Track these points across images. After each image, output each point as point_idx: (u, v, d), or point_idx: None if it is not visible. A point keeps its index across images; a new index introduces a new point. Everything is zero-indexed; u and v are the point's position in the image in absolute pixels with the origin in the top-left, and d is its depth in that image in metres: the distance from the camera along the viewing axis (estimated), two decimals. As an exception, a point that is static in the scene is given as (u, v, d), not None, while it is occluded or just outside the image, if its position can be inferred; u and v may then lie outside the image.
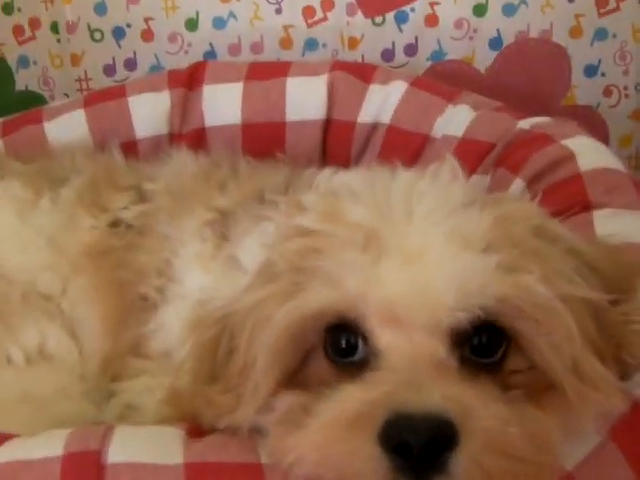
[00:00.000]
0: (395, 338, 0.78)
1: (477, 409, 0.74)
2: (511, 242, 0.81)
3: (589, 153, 1.30)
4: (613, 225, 1.15)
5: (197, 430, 0.87)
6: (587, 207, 1.19)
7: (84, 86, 1.79)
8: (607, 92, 1.79)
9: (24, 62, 1.80)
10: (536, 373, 0.81)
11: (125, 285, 1.20)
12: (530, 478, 0.76)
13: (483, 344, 0.80)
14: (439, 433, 0.71)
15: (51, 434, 0.88)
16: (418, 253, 0.79)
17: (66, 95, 1.80)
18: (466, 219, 0.82)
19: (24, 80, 1.82)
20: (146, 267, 1.20)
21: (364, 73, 1.56)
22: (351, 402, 0.75)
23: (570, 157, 1.29)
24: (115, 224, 1.26)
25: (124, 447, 0.84)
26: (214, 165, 1.33)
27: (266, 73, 1.56)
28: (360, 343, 0.80)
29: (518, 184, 1.28)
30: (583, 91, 1.80)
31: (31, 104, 1.72)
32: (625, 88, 1.79)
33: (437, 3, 1.73)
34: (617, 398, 0.81)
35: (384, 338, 0.78)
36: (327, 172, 1.28)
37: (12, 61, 1.80)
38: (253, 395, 0.83)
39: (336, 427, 0.75)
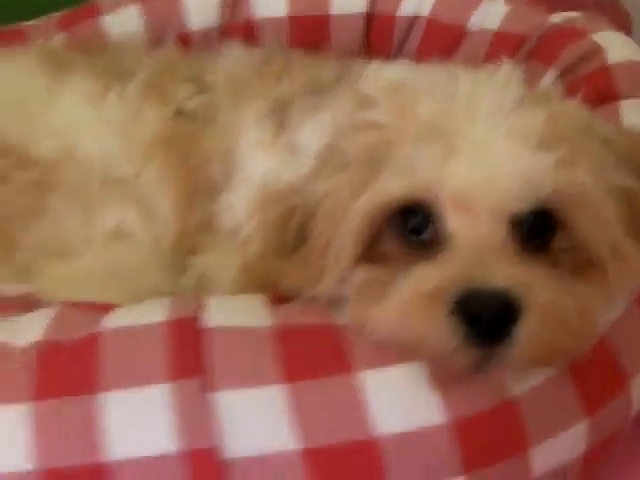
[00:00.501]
0: (464, 222, 0.84)
1: (536, 286, 0.80)
2: (562, 139, 0.86)
3: (617, 47, 1.33)
4: (637, 114, 1.20)
5: (276, 299, 0.94)
6: (614, 97, 1.23)
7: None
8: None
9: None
10: (579, 251, 0.88)
11: (193, 169, 1.26)
12: (576, 345, 0.84)
13: (537, 228, 0.87)
14: (505, 307, 0.78)
15: (151, 303, 0.95)
16: (484, 149, 0.85)
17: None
18: (522, 118, 0.87)
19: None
20: (211, 153, 1.26)
21: None
22: (427, 278, 0.81)
23: (599, 50, 1.32)
24: (179, 113, 1.31)
25: (217, 313, 0.90)
26: (268, 58, 1.37)
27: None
28: (430, 225, 0.87)
29: (550, 75, 1.32)
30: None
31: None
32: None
33: None
34: None
35: (454, 222, 0.84)
36: (375, 65, 1.32)
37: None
38: (333, 268, 0.89)
39: (415, 300, 0.81)
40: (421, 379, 0.84)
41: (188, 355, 0.85)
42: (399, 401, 0.84)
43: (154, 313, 0.91)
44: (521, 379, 0.86)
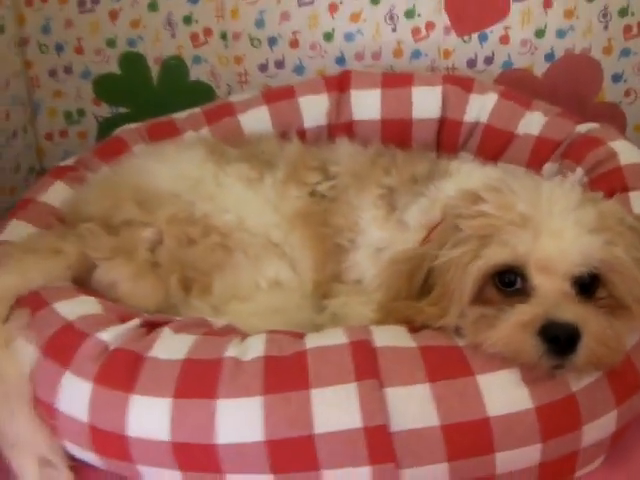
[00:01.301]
0: (544, 279, 1.17)
1: (590, 320, 1.14)
2: (606, 227, 1.18)
3: (627, 152, 1.62)
4: None
5: (411, 328, 1.25)
6: (625, 189, 1.52)
7: (243, 79, 2.12)
8: (627, 93, 2.11)
9: (197, 60, 2.12)
10: (615, 300, 1.20)
11: (326, 237, 1.52)
12: (614, 359, 1.17)
13: (589, 284, 1.19)
14: (572, 332, 1.12)
15: (331, 331, 1.27)
16: (558, 233, 1.17)
17: (228, 85, 2.13)
18: (582, 214, 1.18)
19: (196, 73, 2.13)
20: (340, 225, 1.52)
21: (466, 85, 1.86)
22: (523, 314, 1.15)
23: (614, 155, 1.61)
24: (313, 194, 1.57)
25: (381, 337, 1.22)
26: (376, 154, 1.63)
27: (396, 82, 1.87)
28: (518, 280, 1.19)
29: (579, 172, 1.60)
30: (610, 92, 2.10)
31: (201, 91, 2.12)
32: (640, 90, 2.02)
33: (509, 27, 2.04)
34: None
35: (538, 279, 1.17)
36: (456, 163, 1.59)
37: (188, 59, 2.11)
38: (456, 307, 1.21)
39: (516, 327, 1.14)
40: (517, 379, 1.18)
41: (368, 364, 1.18)
42: (503, 393, 1.18)
43: (338, 337, 1.23)
44: (578, 380, 1.19)
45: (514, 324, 1.15)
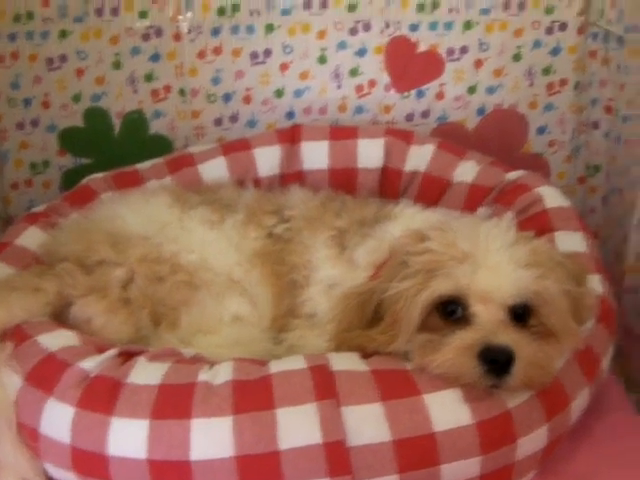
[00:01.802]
0: (483, 308, 1.27)
1: (523, 345, 1.23)
2: (538, 263, 1.29)
3: (551, 197, 1.72)
4: (566, 240, 1.60)
5: (363, 355, 1.33)
6: (551, 229, 1.63)
7: (199, 132, 2.19)
8: (550, 144, 2.22)
9: (157, 114, 2.19)
10: (545, 327, 1.29)
11: (282, 274, 1.59)
12: (544, 380, 1.27)
13: (522, 313, 1.29)
14: (507, 355, 1.21)
15: (291, 358, 1.36)
16: (495, 267, 1.27)
17: (186, 138, 2.19)
18: (516, 251, 1.29)
19: (156, 127, 2.20)
20: (295, 263, 1.59)
21: (406, 137, 1.96)
22: (464, 338, 1.24)
23: (540, 199, 1.71)
24: (270, 236, 1.64)
25: (337, 362, 1.30)
26: (328, 198, 1.72)
27: (343, 134, 1.97)
28: (459, 309, 1.28)
29: (509, 215, 1.55)
30: (535, 143, 2.22)
31: (160, 143, 2.19)
32: (562, 142, 2.22)
33: (444, 84, 2.15)
34: (580, 340, 1.35)
35: (477, 308, 1.27)
36: (400, 206, 1.67)
37: (148, 113, 2.18)
38: (403, 334, 1.29)
39: (456, 350, 1.23)
40: (459, 397, 1.27)
41: (327, 386, 1.26)
42: (447, 410, 1.27)
43: (299, 363, 1.31)
44: (513, 398, 1.28)
45: (456, 348, 1.25)
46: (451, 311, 1.30)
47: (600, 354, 1.43)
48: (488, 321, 1.27)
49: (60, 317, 1.50)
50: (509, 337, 1.24)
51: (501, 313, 1.27)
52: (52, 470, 1.32)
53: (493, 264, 1.28)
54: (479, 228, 1.34)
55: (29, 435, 1.32)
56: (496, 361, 1.22)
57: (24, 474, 1.31)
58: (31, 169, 2.23)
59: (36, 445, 1.31)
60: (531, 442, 1.30)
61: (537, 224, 1.63)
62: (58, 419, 1.29)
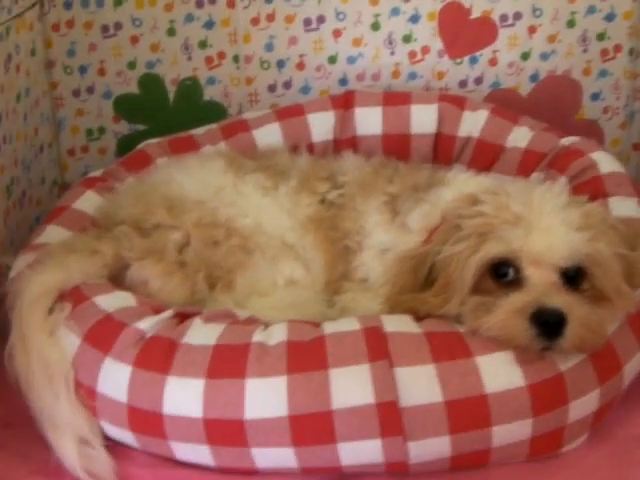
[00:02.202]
0: (535, 271, 1.27)
1: (575, 307, 1.23)
2: (590, 226, 1.28)
3: (605, 162, 1.72)
4: (620, 206, 1.59)
5: (416, 318, 1.34)
6: (605, 195, 1.63)
7: (253, 99, 2.21)
8: (605, 111, 2.22)
9: (211, 81, 2.20)
10: (597, 291, 1.29)
11: (335, 240, 1.61)
12: (597, 343, 1.27)
13: (575, 276, 1.29)
14: (559, 317, 1.22)
15: (346, 320, 1.36)
16: (548, 231, 1.27)
17: (240, 105, 2.21)
18: (569, 214, 1.29)
19: (210, 93, 2.22)
20: (348, 229, 1.61)
21: (460, 103, 1.97)
22: (516, 301, 1.24)
23: (594, 165, 1.72)
24: (323, 202, 1.66)
25: (390, 324, 1.30)
26: (380, 165, 1.73)
27: (396, 100, 1.98)
28: (511, 272, 1.29)
29: (563, 180, 1.68)
30: (589, 110, 2.22)
31: (214, 110, 2.21)
32: (617, 108, 2.21)
33: (497, 51, 2.16)
34: (633, 303, 1.34)
35: (529, 271, 1.27)
36: (453, 172, 1.68)
37: (202, 80, 2.20)
38: (457, 297, 1.30)
39: (509, 313, 1.24)
40: (511, 360, 1.27)
41: (380, 347, 1.27)
42: (499, 372, 1.27)
43: (352, 324, 1.32)
44: (565, 360, 1.28)
45: (508, 310, 1.25)
46: (503, 274, 1.30)
47: (654, 318, 1.41)
48: (540, 283, 1.27)
49: (117, 280, 1.52)
50: (561, 299, 1.24)
51: (553, 276, 1.27)
52: (109, 429, 1.35)
53: (545, 227, 1.28)
54: (532, 192, 1.34)
55: (86, 394, 1.34)
56: (548, 323, 1.22)
57: (81, 433, 1.33)
58: (87, 135, 2.26)
59: (93, 404, 1.33)
60: (583, 405, 1.29)
61: (591, 189, 1.61)
62: (115, 378, 1.31)
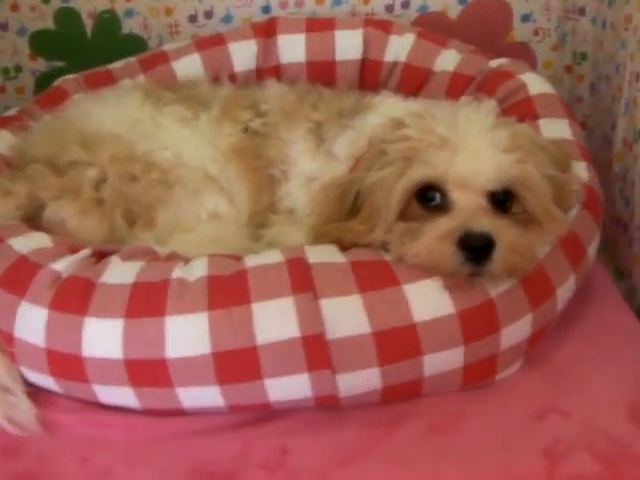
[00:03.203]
0: (462, 195, 1.24)
1: (503, 230, 1.20)
2: (518, 147, 1.25)
3: (535, 83, 1.70)
4: (550, 128, 1.57)
5: (341, 247, 1.31)
6: (535, 117, 1.61)
7: (173, 30, 2.14)
8: (535, 32, 2.17)
9: (130, 13, 2.13)
10: (527, 214, 1.27)
11: (259, 169, 1.58)
12: (526, 267, 1.25)
13: (503, 199, 1.26)
14: (487, 240, 1.18)
15: (268, 252, 1.32)
16: (474, 152, 1.24)
17: (160, 37, 2.14)
18: (496, 135, 1.25)
19: (129, 26, 2.15)
20: (273, 158, 1.58)
21: (386, 27, 1.93)
22: (442, 225, 1.21)
23: (523, 86, 1.69)
24: (246, 130, 1.62)
25: (313, 255, 1.27)
26: (305, 91, 1.69)
27: (320, 26, 1.93)
28: (438, 196, 1.25)
29: (492, 103, 1.54)
30: (520, 32, 2.17)
31: (134, 43, 2.12)
32: (548, 30, 2.17)
33: None
34: (563, 225, 1.32)
35: (455, 195, 1.24)
36: (380, 97, 1.65)
37: (120, 12, 2.13)
38: (382, 224, 1.27)
39: (435, 238, 1.20)
40: (439, 287, 1.24)
41: (304, 279, 1.24)
42: (427, 300, 1.24)
43: (275, 257, 1.28)
44: (496, 286, 1.26)
45: (435, 235, 1.22)
46: (430, 198, 1.27)
47: (585, 241, 1.41)
48: (467, 207, 1.23)
49: (34, 221, 1.48)
50: (489, 223, 1.20)
51: (481, 199, 1.24)
52: (29, 374, 1.31)
53: (472, 149, 1.24)
54: (458, 114, 1.30)
55: (4, 340, 1.29)
56: (475, 248, 1.19)
57: (1, 381, 1.29)
58: (3, 74, 2.17)
59: (11, 350, 1.29)
60: (515, 331, 1.28)
61: (521, 111, 1.58)
62: (32, 322, 1.27)
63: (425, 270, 1.24)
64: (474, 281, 1.24)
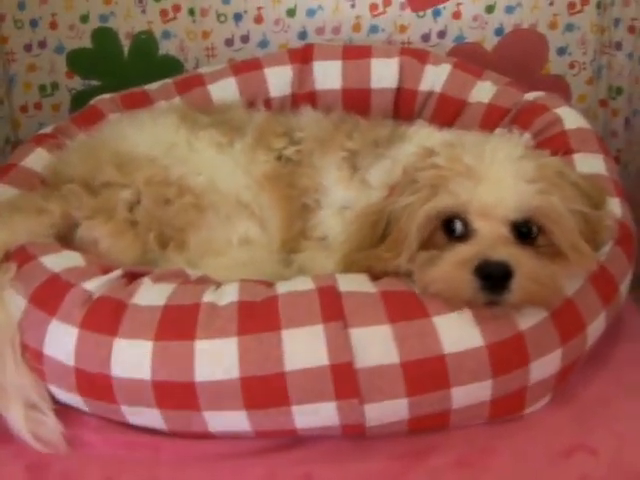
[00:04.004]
0: (483, 223, 1.23)
1: (523, 260, 1.19)
2: (544, 178, 1.24)
3: (570, 117, 1.69)
4: (585, 163, 1.56)
5: (372, 276, 1.31)
6: (569, 152, 1.60)
7: (210, 53, 2.17)
8: (571, 66, 2.19)
9: (167, 35, 2.16)
10: (553, 247, 1.25)
11: (293, 197, 1.59)
12: (548, 297, 1.23)
13: (526, 231, 1.25)
14: (505, 270, 1.17)
15: (299, 279, 1.33)
16: (498, 182, 1.23)
17: (196, 59, 2.17)
18: (522, 165, 1.25)
19: (166, 47, 2.18)
20: (306, 186, 1.59)
21: (422, 57, 1.92)
22: (461, 253, 1.21)
23: (559, 120, 1.68)
24: (280, 158, 1.63)
25: (345, 283, 1.28)
26: (340, 120, 1.69)
27: (356, 54, 1.94)
28: (460, 226, 1.25)
29: (526, 136, 1.65)
30: (555, 65, 2.18)
31: (170, 65, 2.16)
32: (583, 64, 2.18)
33: (461, 3, 2.13)
34: (592, 261, 1.29)
35: (478, 224, 1.24)
36: (415, 127, 1.66)
37: (158, 34, 2.16)
38: (406, 252, 1.27)
39: (452, 265, 1.20)
40: (469, 319, 1.24)
41: (335, 307, 1.24)
42: (457, 332, 1.24)
43: (306, 284, 1.29)
44: (525, 320, 1.25)
45: (452, 262, 1.22)
46: (453, 228, 1.27)
47: (617, 278, 1.39)
48: (488, 236, 1.24)
49: (67, 239, 1.49)
50: (508, 252, 1.20)
51: (502, 229, 1.24)
52: (57, 392, 1.31)
53: (495, 178, 1.24)
54: (486, 143, 1.31)
55: (33, 357, 1.30)
56: (491, 276, 1.18)
57: (28, 397, 1.30)
58: (40, 91, 2.21)
59: (40, 367, 1.30)
60: (545, 366, 1.27)
61: (556, 145, 1.58)
62: (62, 340, 1.28)
63: (443, 299, 1.24)
64: (496, 311, 1.23)
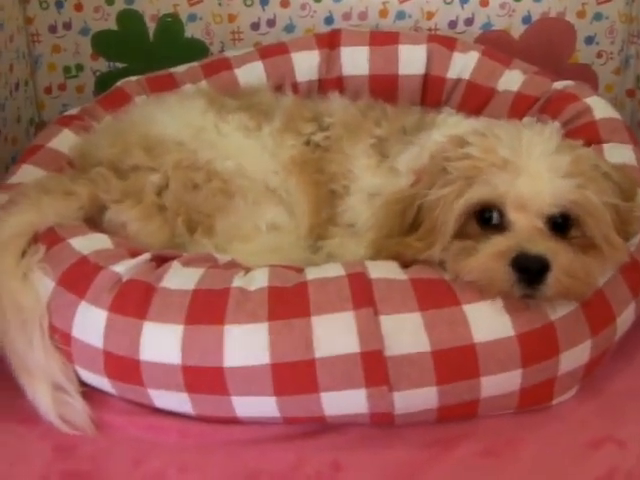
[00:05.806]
0: (520, 216, 1.23)
1: (559, 254, 1.19)
2: (579, 172, 1.24)
3: (600, 107, 1.69)
4: (614, 153, 1.56)
5: (401, 264, 1.31)
6: (599, 141, 1.60)
7: (236, 37, 2.16)
8: (599, 55, 2.18)
9: (192, 18, 2.16)
10: (586, 239, 1.26)
11: (321, 183, 1.59)
12: (583, 291, 1.24)
13: (562, 224, 1.25)
14: (541, 263, 1.18)
15: (329, 265, 1.33)
16: (534, 176, 1.23)
17: (222, 42, 2.17)
18: (558, 159, 1.25)
19: (191, 30, 2.18)
20: (334, 172, 1.58)
21: (450, 44, 1.93)
22: (498, 244, 1.21)
23: (589, 110, 1.68)
24: (308, 143, 1.63)
25: (375, 270, 1.27)
26: (368, 107, 1.68)
27: (384, 39, 1.94)
28: (496, 216, 1.25)
29: (556, 124, 1.61)
30: (583, 54, 2.17)
31: (195, 48, 2.16)
32: (611, 53, 2.17)
33: None
34: (625, 254, 1.29)
35: (514, 216, 1.24)
36: (443, 115, 1.65)
37: (183, 17, 2.15)
38: (440, 241, 1.26)
39: (490, 256, 1.20)
40: (499, 308, 1.23)
41: (365, 294, 1.24)
42: (487, 321, 1.24)
43: (336, 270, 1.29)
44: (556, 310, 1.25)
45: (489, 254, 1.22)
46: (488, 218, 1.27)
47: (647, 269, 1.38)
48: (524, 229, 1.24)
49: (94, 222, 1.49)
50: (544, 245, 1.20)
51: (538, 222, 1.24)
52: (85, 374, 1.32)
53: (532, 172, 1.24)
54: (521, 135, 1.30)
55: (61, 339, 1.31)
56: (529, 270, 1.18)
57: (56, 378, 1.30)
58: (64, 73, 2.21)
59: (68, 349, 1.30)
60: (574, 356, 1.27)
61: (585, 135, 1.57)
62: (90, 323, 1.28)
63: (478, 289, 1.24)
64: (534, 304, 1.23)
